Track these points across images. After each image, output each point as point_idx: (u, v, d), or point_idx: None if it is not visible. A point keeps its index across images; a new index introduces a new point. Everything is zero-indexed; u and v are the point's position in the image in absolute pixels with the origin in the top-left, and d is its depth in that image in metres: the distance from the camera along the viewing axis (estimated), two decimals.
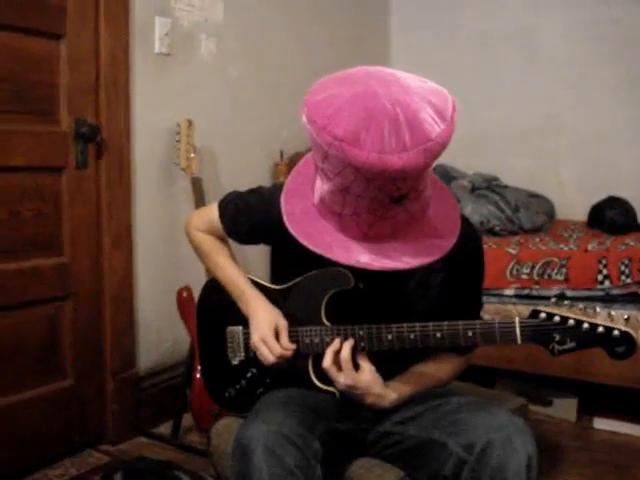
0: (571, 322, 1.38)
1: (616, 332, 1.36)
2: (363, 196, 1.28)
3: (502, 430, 1.42)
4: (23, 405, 2.35)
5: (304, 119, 1.27)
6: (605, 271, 2.66)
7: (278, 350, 1.59)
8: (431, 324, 1.49)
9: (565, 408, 2.89)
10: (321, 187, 1.36)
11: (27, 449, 2.37)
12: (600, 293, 2.65)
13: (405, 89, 1.24)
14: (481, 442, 1.41)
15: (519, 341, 1.42)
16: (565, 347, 1.40)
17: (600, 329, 1.36)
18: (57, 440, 2.47)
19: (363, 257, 1.35)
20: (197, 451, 2.51)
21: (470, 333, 1.46)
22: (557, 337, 1.40)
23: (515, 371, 2.82)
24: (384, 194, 1.27)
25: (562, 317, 1.39)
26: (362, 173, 1.23)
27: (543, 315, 1.41)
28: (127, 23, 2.56)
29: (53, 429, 2.45)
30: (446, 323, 1.48)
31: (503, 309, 2.76)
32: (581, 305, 1.43)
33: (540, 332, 1.41)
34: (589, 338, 1.38)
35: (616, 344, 1.37)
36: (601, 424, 2.81)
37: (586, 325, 1.37)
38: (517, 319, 1.43)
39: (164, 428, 2.73)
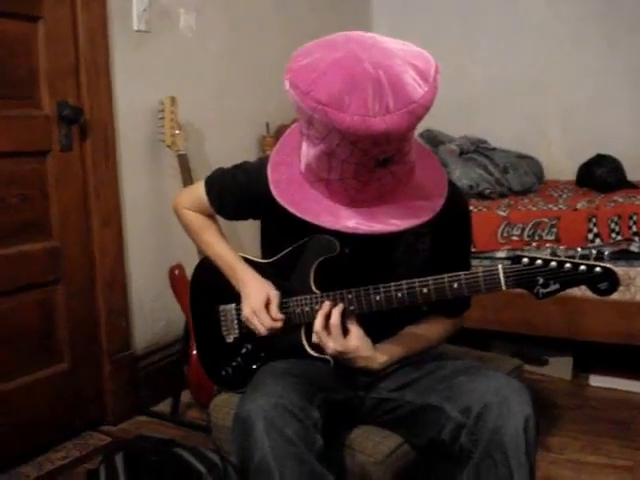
0: (553, 264, 1.38)
1: (598, 269, 1.36)
2: (349, 160, 1.29)
3: (498, 393, 1.43)
4: (22, 390, 2.36)
5: (287, 85, 1.28)
6: (595, 229, 2.66)
7: (268, 321, 1.60)
8: (417, 280, 1.49)
9: (561, 367, 2.92)
10: (307, 153, 1.37)
11: (28, 434, 2.38)
12: (594, 251, 2.65)
13: (387, 52, 1.26)
14: (478, 405, 1.42)
15: (504, 287, 1.42)
16: (549, 289, 1.40)
17: (582, 267, 1.36)
18: (58, 423, 2.48)
19: (351, 222, 1.36)
20: (197, 427, 2.53)
21: (455, 285, 1.46)
22: (541, 280, 1.40)
23: (510, 333, 2.84)
24: (369, 157, 1.28)
25: (544, 260, 1.39)
26: (347, 137, 1.24)
27: (525, 260, 1.41)
28: (104, 1, 2.52)
29: (53, 413, 2.46)
30: (431, 278, 1.48)
31: None
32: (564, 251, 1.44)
33: (523, 276, 1.41)
34: (572, 277, 1.38)
35: (599, 281, 1.37)
36: (597, 381, 2.85)
37: (568, 265, 1.37)
38: (500, 266, 1.43)
39: (163, 406, 2.75)
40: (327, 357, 1.58)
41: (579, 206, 2.76)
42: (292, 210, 1.39)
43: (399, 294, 1.50)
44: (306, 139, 1.35)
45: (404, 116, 1.22)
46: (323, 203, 1.39)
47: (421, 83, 1.23)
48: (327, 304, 1.55)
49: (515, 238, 2.77)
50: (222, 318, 1.79)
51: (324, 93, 1.22)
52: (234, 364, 1.76)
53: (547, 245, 1.44)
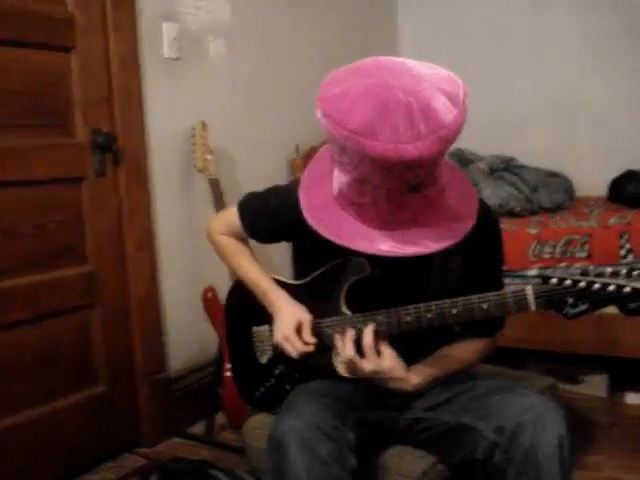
0: (582, 284, 1.38)
1: (627, 289, 1.34)
2: (381, 186, 1.30)
3: (532, 411, 1.43)
4: (58, 413, 2.39)
5: (319, 114, 1.29)
6: (627, 245, 2.64)
7: (300, 346, 1.61)
8: (447, 301, 1.49)
9: (596, 385, 2.89)
10: (339, 179, 1.38)
11: (65, 456, 2.41)
12: (625, 268, 2.63)
13: (416, 78, 1.27)
14: (511, 424, 1.42)
15: (533, 307, 1.42)
16: (578, 310, 1.39)
17: (611, 287, 1.35)
18: (93, 446, 2.51)
19: (384, 245, 1.37)
20: (231, 448, 2.53)
21: (485, 306, 1.46)
22: (570, 300, 1.39)
23: (544, 351, 2.82)
24: (401, 183, 1.29)
25: (573, 280, 1.38)
26: (379, 164, 1.25)
27: (554, 280, 1.40)
28: (135, 30, 2.58)
29: (89, 435, 2.49)
30: (461, 298, 1.48)
31: None
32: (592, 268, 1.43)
33: (552, 297, 1.40)
34: (601, 298, 1.37)
35: (628, 301, 1.35)
36: (633, 399, 2.81)
37: (597, 285, 1.36)
38: (529, 287, 1.42)
39: (198, 428, 2.77)
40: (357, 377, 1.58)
41: (611, 222, 2.74)
42: (326, 235, 1.40)
43: (429, 315, 1.50)
44: (338, 165, 1.37)
45: (435, 141, 1.23)
46: (356, 227, 1.40)
47: (451, 107, 1.25)
48: (351, 331, 1.56)
49: (547, 256, 2.76)
50: (255, 340, 1.80)
51: (356, 122, 1.23)
52: (268, 385, 1.78)
53: (577, 265, 1.43)
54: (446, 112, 1.24)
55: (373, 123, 1.22)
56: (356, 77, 1.29)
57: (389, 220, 1.37)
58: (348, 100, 1.25)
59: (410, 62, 1.32)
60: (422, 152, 1.22)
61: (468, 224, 1.42)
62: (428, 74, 1.29)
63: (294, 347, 1.62)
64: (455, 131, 1.25)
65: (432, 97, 1.24)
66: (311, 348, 1.62)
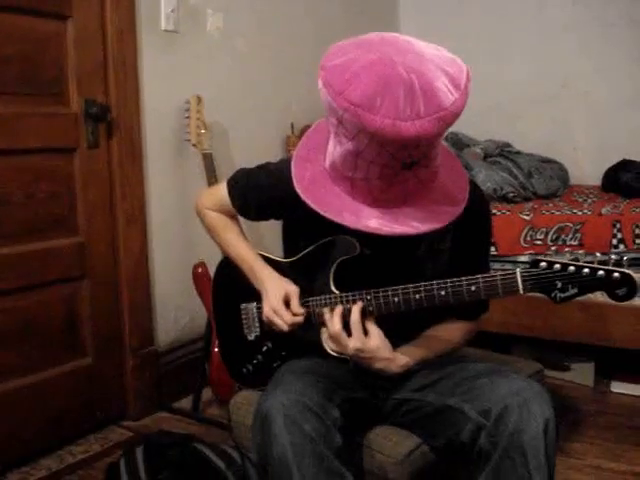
0: (571, 268, 1.37)
1: (616, 274, 1.34)
2: (375, 162, 1.30)
3: (518, 395, 1.42)
4: (45, 384, 2.39)
5: (320, 83, 1.29)
6: (620, 235, 2.65)
7: (289, 317, 1.61)
8: (435, 282, 1.48)
9: (582, 373, 2.90)
10: (333, 151, 1.38)
11: (51, 426, 2.41)
12: (615, 257, 2.63)
13: (420, 57, 1.27)
14: (498, 407, 1.42)
15: (521, 291, 1.41)
16: (567, 294, 1.39)
17: (600, 272, 1.35)
18: (80, 417, 2.51)
19: (372, 222, 1.36)
20: (217, 424, 2.55)
21: (473, 288, 1.45)
22: (559, 284, 1.38)
23: (531, 337, 2.83)
24: (396, 160, 1.29)
25: (562, 264, 1.38)
26: (375, 139, 1.25)
27: (543, 264, 1.40)
28: (133, 1, 2.55)
29: (75, 406, 2.49)
30: (449, 280, 1.47)
31: None
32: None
33: (541, 280, 1.40)
34: (590, 282, 1.36)
35: (617, 286, 1.35)
36: (619, 387, 2.83)
37: (586, 270, 1.36)
38: (518, 270, 1.42)
39: (185, 402, 2.77)
40: (346, 356, 1.59)
41: (604, 211, 2.74)
42: (314, 207, 1.39)
43: (417, 296, 1.50)
44: (334, 137, 1.36)
45: (434, 122, 1.22)
46: (346, 201, 1.39)
47: (452, 90, 1.25)
48: (340, 307, 1.56)
49: (538, 242, 2.76)
50: (243, 316, 1.80)
51: (357, 94, 1.23)
52: (255, 362, 1.78)
53: (566, 249, 1.41)
54: (447, 94, 1.24)
55: (373, 97, 1.22)
56: (360, 50, 1.28)
57: (379, 198, 1.37)
58: (350, 72, 1.24)
59: (416, 41, 1.32)
60: (420, 131, 1.22)
61: (458, 208, 1.42)
62: (433, 55, 1.29)
63: (283, 319, 1.61)
64: (455, 113, 1.25)
65: (435, 77, 1.24)
66: (300, 319, 1.62)
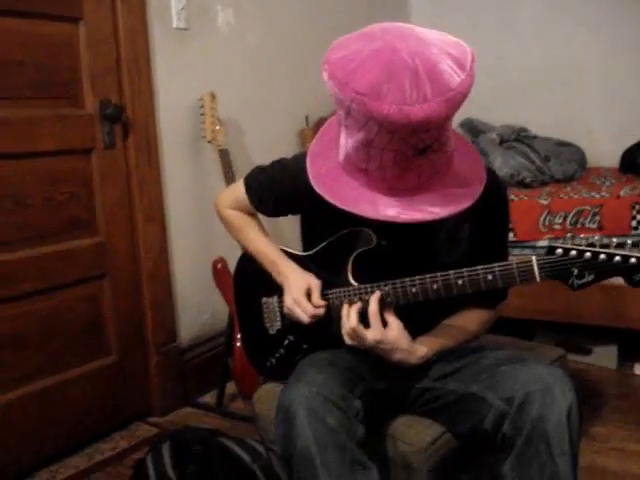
0: (588, 255, 1.36)
1: (633, 260, 1.33)
2: (387, 149, 1.29)
3: (541, 381, 1.43)
4: (71, 383, 2.42)
5: (325, 76, 1.29)
6: (639, 217, 2.63)
7: (310, 309, 1.62)
8: (452, 272, 1.48)
9: (605, 356, 2.89)
10: (345, 143, 1.38)
11: (78, 425, 2.45)
12: (636, 239, 2.61)
13: (423, 42, 1.27)
14: (520, 394, 1.42)
15: (538, 279, 1.40)
16: (584, 280, 1.38)
17: (617, 258, 1.34)
18: (106, 415, 2.54)
19: (390, 211, 1.36)
20: (242, 417, 2.57)
21: (490, 277, 1.45)
22: (575, 271, 1.38)
23: (553, 322, 2.82)
24: (408, 146, 1.28)
25: (579, 251, 1.37)
26: (385, 126, 1.24)
27: (560, 251, 1.39)
28: (143, 0, 2.57)
29: (101, 404, 2.52)
30: (466, 269, 1.47)
31: None
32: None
33: (558, 268, 1.39)
34: (607, 268, 1.35)
35: (634, 272, 1.34)
36: None
37: (603, 256, 1.35)
38: (534, 258, 1.41)
39: (209, 397, 2.80)
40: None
41: (622, 193, 2.73)
42: (331, 200, 1.39)
43: (434, 286, 1.50)
44: (344, 129, 1.36)
45: (442, 104, 1.22)
46: (362, 192, 1.39)
47: (458, 71, 1.24)
48: (358, 303, 1.56)
49: (557, 227, 2.75)
50: (265, 310, 1.81)
51: (362, 83, 1.23)
52: (277, 355, 1.79)
53: (582, 235, 1.40)
54: (453, 75, 1.23)
55: (379, 84, 1.22)
56: (362, 41, 1.29)
57: (395, 186, 1.36)
58: (354, 62, 1.25)
59: (418, 28, 1.32)
60: (428, 114, 1.22)
61: (476, 191, 1.40)
62: (436, 39, 1.29)
63: (305, 310, 1.62)
64: (462, 94, 1.25)
65: (439, 60, 1.24)
66: (321, 311, 1.62)
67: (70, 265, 2.41)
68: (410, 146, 1.28)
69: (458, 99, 1.24)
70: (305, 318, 1.63)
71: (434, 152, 1.32)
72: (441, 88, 1.22)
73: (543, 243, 2.76)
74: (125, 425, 2.61)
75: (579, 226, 2.71)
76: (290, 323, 1.72)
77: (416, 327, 1.60)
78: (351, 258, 1.62)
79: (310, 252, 1.73)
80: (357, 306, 1.55)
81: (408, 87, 1.21)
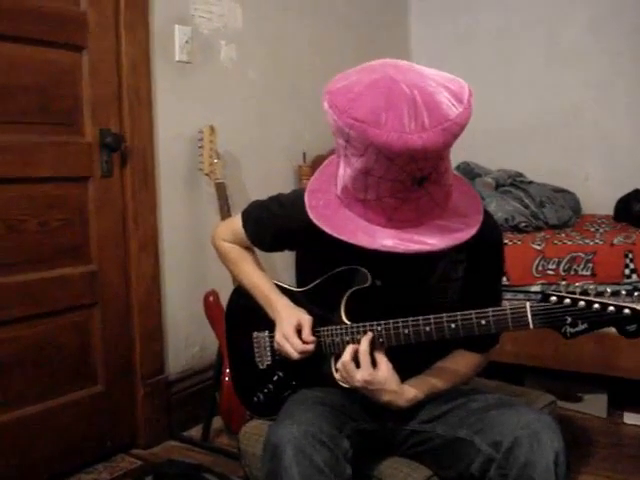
0: (582, 303, 1.37)
1: (627, 310, 1.33)
2: (385, 178, 1.30)
3: (529, 427, 1.42)
4: (56, 411, 2.39)
5: (326, 105, 1.31)
6: (632, 265, 2.64)
7: (299, 345, 1.62)
8: (445, 315, 1.48)
9: (595, 404, 2.87)
10: (344, 174, 1.38)
11: (60, 454, 2.41)
12: (628, 287, 2.63)
13: (421, 75, 1.30)
14: (508, 440, 1.41)
15: (531, 326, 1.40)
16: (577, 329, 1.38)
17: (611, 308, 1.34)
18: (90, 445, 2.51)
19: (388, 241, 1.36)
20: (227, 453, 2.53)
21: (483, 322, 1.45)
22: (569, 320, 1.38)
23: (544, 368, 2.81)
24: (406, 175, 1.29)
25: (573, 299, 1.37)
26: (383, 153, 1.26)
27: (554, 298, 1.39)
28: (147, 32, 2.60)
29: (85, 434, 2.49)
30: (459, 313, 1.47)
31: None
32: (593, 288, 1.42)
33: (551, 315, 1.39)
34: (600, 318, 1.36)
35: (627, 322, 1.34)
36: (632, 419, 2.79)
37: (597, 305, 1.35)
38: (528, 304, 1.41)
39: (195, 431, 2.76)
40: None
41: (616, 241, 2.74)
42: (328, 230, 1.39)
43: (427, 328, 1.49)
44: (343, 159, 1.37)
45: (440, 133, 1.24)
46: (360, 224, 1.39)
47: (456, 103, 1.27)
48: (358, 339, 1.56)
49: (550, 272, 2.75)
50: (256, 345, 1.81)
51: (361, 111, 1.25)
52: (266, 391, 1.78)
53: (577, 283, 1.40)
54: (451, 107, 1.26)
55: (378, 113, 1.24)
56: (362, 73, 1.32)
57: (393, 218, 1.36)
58: (354, 92, 1.28)
59: (416, 65, 1.35)
60: (426, 142, 1.24)
61: (474, 227, 1.41)
62: (433, 73, 1.33)
63: (294, 346, 1.62)
64: (460, 125, 1.27)
65: (436, 92, 1.27)
66: (311, 347, 1.62)
67: (61, 292, 2.39)
68: (408, 175, 1.29)
69: (455, 129, 1.26)
70: (294, 354, 1.62)
71: (432, 184, 1.33)
72: (439, 118, 1.24)
73: (536, 288, 2.77)
74: (109, 456, 2.57)
75: (572, 273, 2.71)
76: (280, 359, 1.71)
77: (407, 368, 1.59)
78: (345, 296, 1.62)
79: (305, 288, 1.73)
80: (350, 345, 1.55)
81: (407, 116, 1.23)
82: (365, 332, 1.56)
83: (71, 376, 2.45)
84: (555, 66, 3.82)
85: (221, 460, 2.51)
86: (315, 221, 1.42)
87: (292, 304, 1.71)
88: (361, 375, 1.52)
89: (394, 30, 4.17)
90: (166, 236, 2.73)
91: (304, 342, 1.62)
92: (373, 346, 1.54)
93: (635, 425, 2.76)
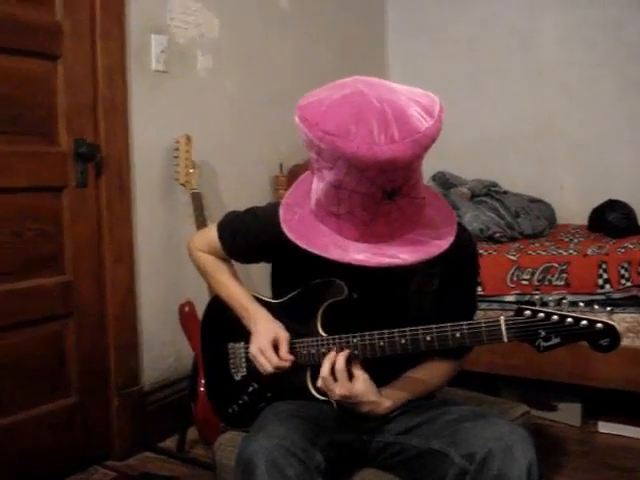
0: (555, 317, 1.39)
1: (599, 325, 1.36)
2: (356, 191, 1.31)
3: (502, 439, 1.42)
4: (30, 422, 2.37)
5: (297, 119, 1.33)
6: (605, 275, 2.66)
7: (275, 360, 1.62)
8: (420, 328, 1.50)
9: (569, 413, 2.89)
10: (317, 189, 1.40)
11: (34, 466, 2.38)
12: (601, 297, 2.65)
13: (392, 90, 1.32)
14: (482, 452, 1.42)
15: (505, 339, 1.43)
16: (550, 343, 1.40)
17: (583, 322, 1.36)
18: (64, 457, 2.48)
19: (359, 255, 1.37)
20: (202, 465, 2.52)
21: (458, 334, 1.47)
22: (542, 333, 1.40)
23: (519, 377, 2.83)
24: (376, 187, 1.30)
25: (546, 313, 1.39)
26: (353, 164, 1.27)
27: (528, 312, 1.41)
28: (123, 42, 2.59)
29: (59, 446, 2.47)
30: (435, 326, 1.49)
31: None
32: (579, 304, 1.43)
33: (525, 329, 1.41)
34: (573, 332, 1.38)
35: (600, 337, 1.37)
36: (606, 428, 2.81)
37: (570, 320, 1.37)
38: (502, 318, 1.43)
39: (170, 442, 2.75)
40: (331, 401, 1.58)
41: (589, 252, 2.76)
42: (301, 244, 1.40)
43: (402, 340, 1.51)
44: (316, 172, 1.39)
45: (409, 145, 1.25)
46: (333, 238, 1.40)
47: (426, 117, 1.28)
48: (333, 352, 1.56)
49: (525, 282, 2.77)
50: (231, 356, 1.80)
51: (331, 124, 1.27)
52: (240, 402, 1.77)
53: (551, 298, 1.42)
54: (421, 120, 1.27)
55: (348, 126, 1.25)
56: (333, 89, 1.34)
57: (365, 232, 1.37)
58: (324, 105, 1.29)
59: (389, 82, 1.37)
60: (396, 154, 1.25)
61: (446, 241, 1.42)
62: (404, 89, 1.34)
63: (270, 360, 1.62)
64: (430, 137, 1.28)
65: (407, 106, 1.29)
66: (287, 364, 1.62)
67: (35, 303, 2.37)
68: (378, 188, 1.30)
69: (425, 142, 1.28)
70: (268, 368, 1.63)
71: (403, 197, 1.34)
72: (409, 131, 1.26)
73: (510, 298, 2.79)
74: (82, 468, 2.54)
75: (546, 283, 2.74)
76: (255, 370, 1.71)
77: (381, 376, 1.60)
78: (322, 308, 1.63)
79: (282, 300, 1.73)
80: (330, 357, 1.56)
81: (376, 129, 1.25)
82: (341, 344, 1.56)
83: (45, 387, 2.43)
84: (528, 77, 3.86)
85: (196, 471, 2.50)
86: (288, 235, 1.43)
87: (270, 317, 1.71)
88: (339, 390, 1.53)
89: (371, 44, 4.19)
90: (141, 246, 2.71)
91: (282, 359, 1.62)
92: (349, 359, 1.55)
93: (609, 434, 2.79)
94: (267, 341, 1.64)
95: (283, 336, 1.65)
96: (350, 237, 1.39)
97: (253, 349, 1.66)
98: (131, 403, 2.67)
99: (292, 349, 1.65)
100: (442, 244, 1.41)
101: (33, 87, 2.34)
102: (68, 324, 2.49)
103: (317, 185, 1.40)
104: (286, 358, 1.62)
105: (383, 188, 1.31)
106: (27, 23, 2.30)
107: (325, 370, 1.55)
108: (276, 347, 1.64)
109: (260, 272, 2.00)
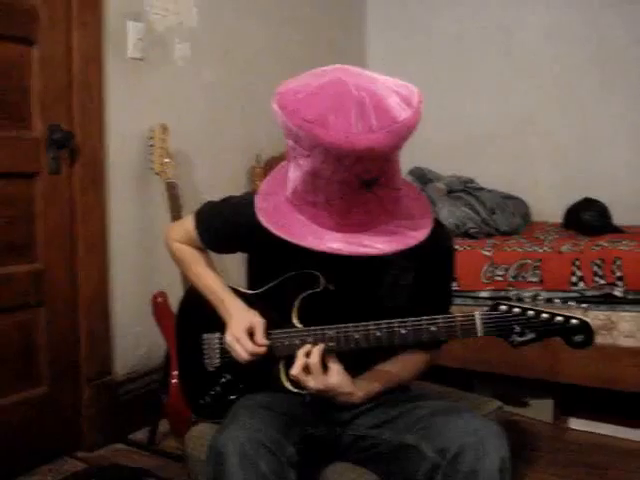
0: (530, 313, 1.39)
1: (574, 321, 1.37)
2: (333, 179, 1.31)
3: (475, 434, 1.42)
4: None
5: (275, 106, 1.32)
6: (579, 272, 2.68)
7: (250, 347, 1.60)
8: (396, 321, 1.50)
9: (541, 409, 2.91)
10: (293, 177, 1.39)
11: (2, 456, 2.35)
12: (575, 294, 2.67)
13: (372, 79, 1.33)
14: (454, 446, 1.42)
15: (479, 334, 1.44)
16: (525, 338, 1.41)
17: (558, 318, 1.37)
18: (33, 447, 2.45)
19: (335, 244, 1.37)
20: (173, 457, 2.50)
21: (433, 328, 1.48)
22: (517, 329, 1.41)
23: (492, 373, 2.84)
24: (354, 176, 1.30)
25: (522, 309, 1.40)
26: (331, 153, 1.27)
27: (503, 307, 1.42)
28: (100, 28, 2.55)
29: (29, 436, 2.43)
30: (410, 319, 1.49)
31: None
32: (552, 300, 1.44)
33: (500, 324, 1.42)
34: (548, 328, 1.39)
35: (574, 333, 1.38)
36: (577, 424, 2.84)
37: (545, 315, 1.38)
38: (477, 313, 1.44)
39: (141, 434, 2.72)
40: (304, 392, 1.58)
41: (563, 249, 2.78)
42: (277, 233, 1.40)
43: (377, 333, 1.51)
44: (292, 161, 1.38)
45: (387, 135, 1.25)
46: (309, 227, 1.40)
47: (405, 107, 1.28)
48: (307, 345, 1.56)
49: (499, 279, 2.78)
50: (205, 347, 1.78)
51: (310, 112, 1.26)
52: (213, 393, 1.75)
53: (527, 289, 1.44)
54: (399, 110, 1.27)
55: (326, 114, 1.25)
56: (313, 77, 1.34)
57: (342, 222, 1.38)
58: (303, 93, 1.29)
59: (368, 71, 1.37)
60: (373, 143, 1.25)
61: (423, 233, 1.43)
62: (384, 79, 1.34)
63: (245, 347, 1.60)
64: (408, 127, 1.28)
65: (386, 95, 1.29)
66: (262, 350, 1.60)
67: (5, 291, 2.34)
68: (356, 177, 1.30)
69: (403, 132, 1.28)
70: (244, 355, 1.61)
71: (380, 187, 1.34)
72: (387, 120, 1.26)
73: (485, 294, 2.80)
74: (52, 459, 2.51)
75: (520, 279, 2.75)
76: (229, 361, 1.69)
77: (356, 366, 1.61)
78: (298, 299, 1.62)
79: (257, 291, 1.72)
80: (303, 351, 1.55)
81: (354, 118, 1.25)
82: (316, 336, 1.56)
83: (15, 376, 2.39)
84: (509, 74, 3.88)
85: (167, 464, 2.48)
86: (263, 223, 1.42)
87: (246, 306, 1.69)
88: (314, 384, 1.53)
89: (351, 32, 4.18)
90: (115, 235, 2.68)
91: (257, 345, 1.61)
92: (324, 352, 1.54)
93: (581, 430, 2.81)
94: (242, 328, 1.62)
95: (258, 322, 1.63)
96: (326, 226, 1.39)
97: (228, 337, 1.64)
98: (102, 394, 2.64)
99: (268, 339, 1.63)
100: (418, 235, 1.42)
101: (7, 71, 2.30)
102: (39, 313, 2.45)
103: (294, 173, 1.39)
104: (261, 343, 1.61)
105: (360, 177, 1.31)
106: (2, 7, 2.26)
107: (299, 364, 1.54)
108: (251, 335, 1.62)
109: (236, 263, 1.98)
